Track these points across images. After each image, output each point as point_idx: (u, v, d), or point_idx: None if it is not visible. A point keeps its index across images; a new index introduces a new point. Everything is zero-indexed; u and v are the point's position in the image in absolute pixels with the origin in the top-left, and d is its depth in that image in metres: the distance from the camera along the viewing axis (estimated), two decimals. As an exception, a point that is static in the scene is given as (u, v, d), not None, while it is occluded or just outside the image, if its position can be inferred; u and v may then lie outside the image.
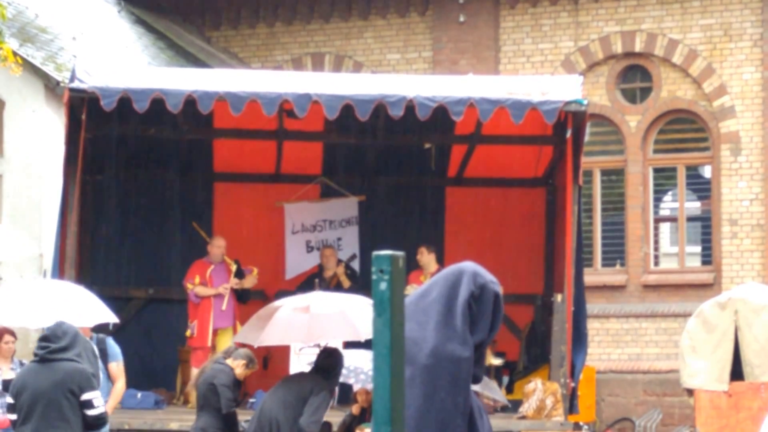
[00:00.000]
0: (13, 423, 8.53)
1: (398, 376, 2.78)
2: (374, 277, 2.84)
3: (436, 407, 4.26)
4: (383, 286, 2.79)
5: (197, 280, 14.25)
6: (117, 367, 11.39)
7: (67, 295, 10.81)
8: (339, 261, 14.86)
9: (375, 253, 2.85)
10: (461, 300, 4.37)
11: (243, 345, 11.19)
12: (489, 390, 10.82)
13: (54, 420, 8.24)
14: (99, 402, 8.47)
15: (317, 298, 11.27)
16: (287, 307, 10.85)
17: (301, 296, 11.44)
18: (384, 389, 2.76)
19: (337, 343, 13.41)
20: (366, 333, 10.46)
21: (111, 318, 10.96)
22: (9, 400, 8.63)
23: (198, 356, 13.98)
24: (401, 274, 2.86)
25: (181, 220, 15.20)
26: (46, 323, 9.93)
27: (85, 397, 8.35)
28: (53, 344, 8.36)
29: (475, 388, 10.83)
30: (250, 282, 14.40)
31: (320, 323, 10.55)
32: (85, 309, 10.68)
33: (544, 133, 14.14)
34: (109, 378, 11.23)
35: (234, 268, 14.38)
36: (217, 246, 14.41)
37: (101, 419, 8.49)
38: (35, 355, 8.51)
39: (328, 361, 10.54)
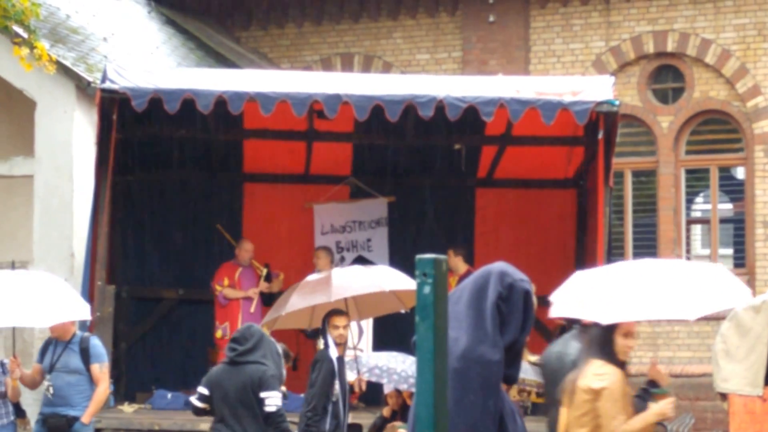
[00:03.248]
0: (200, 410, 9.39)
1: (441, 380, 2.75)
2: (417, 280, 2.80)
3: (466, 410, 4.25)
4: (427, 289, 2.75)
5: (226, 282, 14.32)
6: (100, 369, 10.82)
7: (37, 291, 10.35)
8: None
9: (418, 256, 2.81)
10: (489, 302, 4.36)
11: (274, 332, 11.13)
12: (538, 375, 10.76)
13: (242, 417, 9.00)
14: (272, 401, 9.05)
15: (336, 270, 11.31)
16: (307, 281, 10.91)
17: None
18: (428, 393, 2.72)
19: (365, 322, 13.49)
20: (388, 284, 10.58)
21: (85, 314, 10.59)
22: (203, 390, 9.34)
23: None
24: (444, 278, 2.82)
25: (211, 220, 15.23)
26: (13, 323, 10.00)
27: (261, 395, 9.05)
28: (241, 347, 9.10)
29: (526, 374, 10.69)
30: (277, 286, 14.45)
31: (341, 282, 10.54)
32: (57, 305, 10.28)
33: (575, 133, 14.08)
34: (92, 380, 10.78)
35: (264, 272, 14.44)
36: (246, 250, 14.53)
37: (271, 417, 9.13)
38: (226, 356, 9.24)
39: None
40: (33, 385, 11.21)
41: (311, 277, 11.23)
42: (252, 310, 14.25)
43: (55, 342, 10.95)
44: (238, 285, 14.40)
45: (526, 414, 10.74)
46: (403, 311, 11.37)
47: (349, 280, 10.65)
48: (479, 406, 4.38)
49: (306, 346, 14.21)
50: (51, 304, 10.29)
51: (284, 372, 10.60)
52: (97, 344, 10.91)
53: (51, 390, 10.81)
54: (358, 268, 11.15)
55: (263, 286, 14.37)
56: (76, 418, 10.71)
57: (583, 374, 5.78)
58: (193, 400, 9.49)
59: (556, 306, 8.10)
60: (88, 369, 10.74)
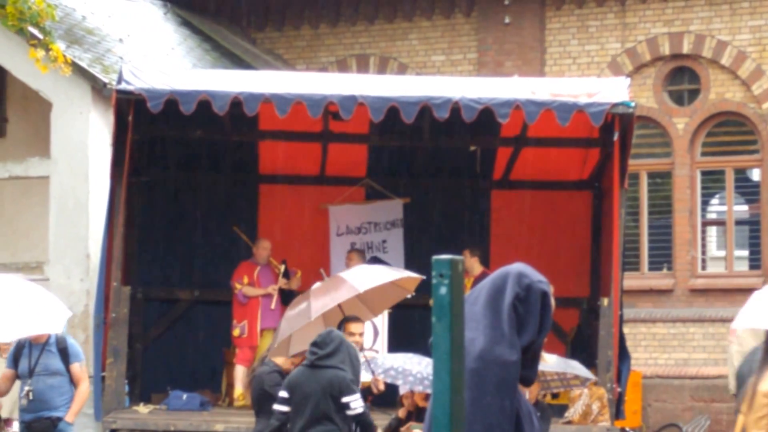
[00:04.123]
0: (284, 415, 9.51)
1: (458, 381, 2.75)
2: (434, 281, 2.81)
3: (483, 411, 4.25)
4: (443, 290, 2.75)
5: (245, 280, 14.39)
6: (80, 367, 10.71)
7: (11, 302, 9.96)
8: None
9: (435, 257, 2.82)
10: (507, 303, 4.36)
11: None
12: (571, 368, 10.73)
13: (320, 419, 9.28)
14: (356, 404, 9.29)
15: (314, 287, 11.28)
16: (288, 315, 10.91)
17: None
18: (444, 394, 2.72)
19: (381, 324, 13.51)
20: (363, 285, 10.56)
21: (61, 323, 10.31)
22: (284, 393, 9.52)
23: (245, 354, 14.09)
24: (461, 279, 2.82)
25: (227, 222, 15.25)
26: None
27: (343, 400, 9.30)
28: (321, 351, 9.35)
29: (557, 368, 10.71)
30: (295, 283, 14.50)
31: (318, 297, 10.56)
32: (32, 316, 9.95)
33: (591, 135, 14.07)
34: (72, 381, 10.64)
35: (282, 269, 14.50)
36: (264, 248, 14.60)
37: (360, 418, 9.42)
38: (306, 359, 9.51)
39: None
40: (2, 392, 10.97)
41: (290, 311, 11.15)
42: (272, 306, 14.31)
43: (30, 345, 10.70)
44: (257, 283, 14.47)
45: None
46: (409, 296, 11.34)
47: (326, 294, 10.67)
48: (496, 407, 4.38)
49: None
50: (25, 316, 9.99)
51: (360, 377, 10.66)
52: (73, 343, 10.81)
53: (30, 395, 10.60)
54: (337, 278, 11.09)
55: (282, 282, 14.42)
56: (59, 419, 10.59)
57: (763, 378, 5.84)
58: (277, 406, 9.66)
59: (743, 317, 8.30)
60: (68, 369, 10.60)
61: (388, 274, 10.87)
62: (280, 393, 9.64)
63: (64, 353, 10.60)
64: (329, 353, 9.33)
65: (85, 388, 10.74)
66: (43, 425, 10.58)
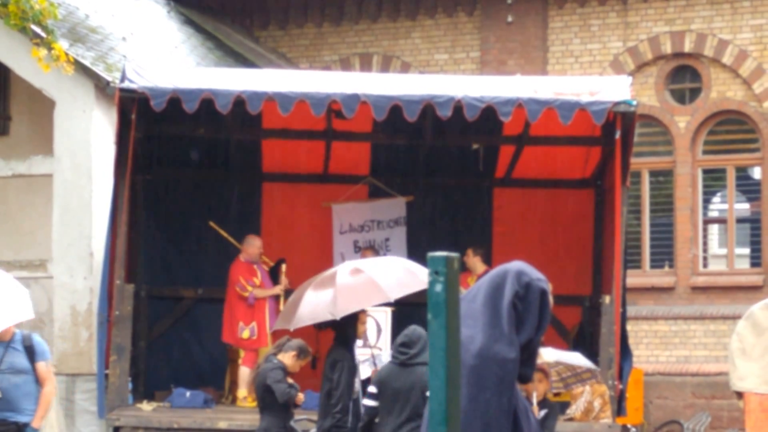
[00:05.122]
0: (375, 409, 9.78)
1: (454, 377, 2.80)
2: (429, 278, 2.85)
3: (481, 408, 4.28)
4: (438, 287, 2.80)
5: (257, 282, 14.27)
6: (46, 366, 10.12)
7: None
8: None
9: (430, 254, 2.86)
10: (506, 301, 4.38)
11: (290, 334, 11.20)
12: (575, 359, 10.77)
13: (410, 415, 9.56)
14: None
15: (342, 267, 11.30)
16: (313, 284, 10.97)
17: (329, 270, 11.46)
18: (440, 390, 2.77)
19: (384, 321, 13.56)
20: (393, 293, 10.71)
21: (27, 314, 10.06)
22: (374, 389, 9.79)
23: (251, 356, 14.01)
24: (456, 276, 2.86)
25: (230, 220, 15.28)
26: None
27: (428, 394, 9.18)
28: (411, 350, 9.69)
29: (560, 359, 10.75)
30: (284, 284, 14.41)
31: (347, 294, 10.61)
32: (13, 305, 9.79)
33: (593, 134, 14.10)
34: (37, 380, 10.08)
35: (283, 267, 14.43)
36: (256, 246, 14.40)
37: None
38: (395, 357, 9.81)
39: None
40: None
41: (316, 279, 11.18)
42: (281, 307, 14.24)
43: None
44: (263, 284, 14.41)
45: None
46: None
47: (353, 294, 10.72)
48: (494, 404, 4.40)
49: (326, 346, 14.26)
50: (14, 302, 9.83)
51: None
52: (40, 341, 10.30)
53: None
54: (367, 274, 11.02)
55: (286, 282, 14.32)
56: (26, 425, 10.10)
57: None
58: (366, 401, 9.94)
59: None
60: (33, 368, 10.09)
61: (418, 282, 10.75)
62: (369, 388, 9.95)
63: (31, 351, 10.09)
64: (418, 352, 9.67)
65: (50, 390, 10.19)
66: (8, 429, 10.09)
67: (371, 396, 9.84)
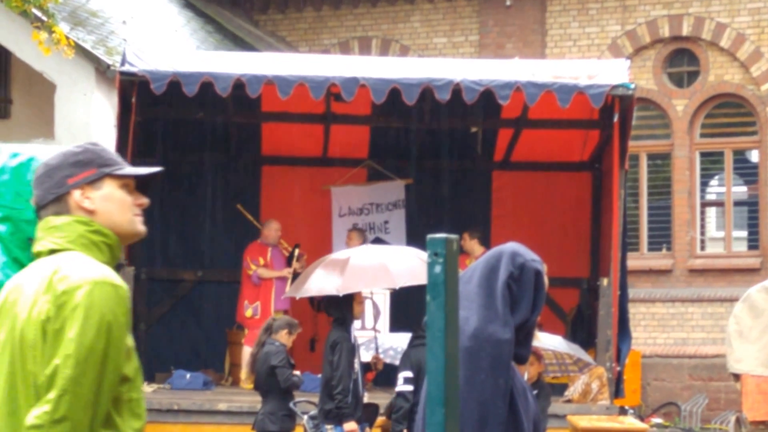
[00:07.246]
0: (409, 394, 9.72)
1: (452, 359, 2.86)
2: (429, 260, 2.90)
3: (477, 389, 4.30)
4: (438, 269, 2.85)
5: (261, 261, 14.41)
6: None
7: None
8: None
9: (429, 236, 2.91)
10: (500, 282, 4.39)
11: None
12: (574, 350, 10.84)
13: None
14: None
15: (359, 250, 11.39)
16: (328, 261, 11.06)
17: (344, 250, 11.55)
18: (438, 371, 2.83)
19: (382, 303, 13.63)
20: (401, 281, 10.69)
21: None
22: (408, 373, 9.73)
23: (254, 335, 14.10)
24: (455, 257, 2.91)
25: (230, 203, 15.33)
26: None
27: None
28: None
29: (560, 349, 10.79)
30: (301, 267, 14.52)
31: (356, 274, 10.67)
32: None
33: (591, 117, 14.14)
34: None
35: (296, 253, 14.51)
36: (275, 229, 14.61)
37: None
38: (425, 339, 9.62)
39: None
40: None
41: (332, 256, 11.30)
42: (287, 290, 14.32)
43: None
44: (271, 265, 14.51)
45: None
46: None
47: (363, 275, 10.78)
48: (490, 385, 4.41)
49: (324, 329, 14.33)
50: None
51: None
52: None
53: None
54: (380, 259, 11.08)
55: (296, 266, 14.41)
56: None
57: None
58: (402, 386, 9.84)
59: None
60: None
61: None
62: (403, 374, 9.86)
63: None
64: None
65: None
66: None
67: (408, 380, 9.77)
